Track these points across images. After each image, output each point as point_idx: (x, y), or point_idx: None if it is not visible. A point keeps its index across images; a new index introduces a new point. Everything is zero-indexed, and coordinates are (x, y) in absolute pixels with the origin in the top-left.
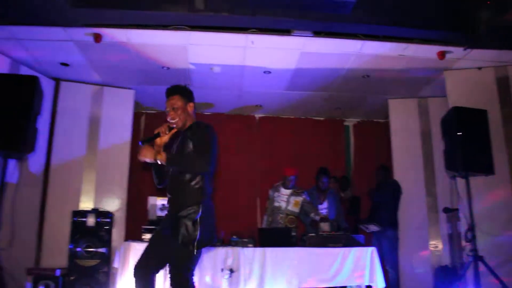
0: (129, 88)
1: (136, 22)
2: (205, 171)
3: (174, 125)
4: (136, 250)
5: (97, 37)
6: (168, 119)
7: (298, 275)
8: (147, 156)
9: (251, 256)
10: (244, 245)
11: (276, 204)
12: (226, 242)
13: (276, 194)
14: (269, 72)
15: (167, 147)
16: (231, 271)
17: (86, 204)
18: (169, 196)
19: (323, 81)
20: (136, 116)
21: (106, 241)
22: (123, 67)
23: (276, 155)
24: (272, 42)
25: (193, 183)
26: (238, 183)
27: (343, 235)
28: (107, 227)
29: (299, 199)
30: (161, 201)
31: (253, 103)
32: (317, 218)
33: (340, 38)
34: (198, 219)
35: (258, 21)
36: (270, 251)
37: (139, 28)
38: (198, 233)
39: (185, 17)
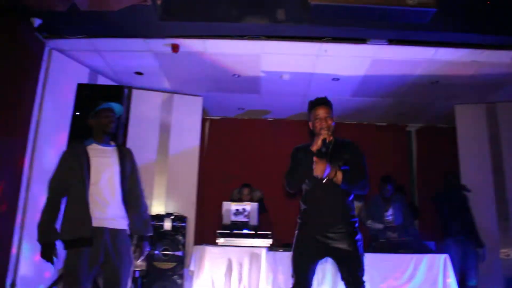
0: (198, 95)
1: (216, 33)
2: (365, 194)
3: (327, 134)
4: (212, 253)
5: (175, 47)
6: (323, 127)
7: (370, 282)
8: (323, 172)
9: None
10: None
11: None
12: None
13: None
14: (337, 79)
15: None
16: None
17: (157, 208)
18: (319, 205)
19: (391, 87)
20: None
21: (182, 245)
22: (194, 75)
23: None
24: (345, 51)
25: (349, 198)
26: None
27: (414, 241)
28: (182, 231)
29: (359, 204)
30: (235, 206)
31: None
32: (381, 226)
33: (413, 45)
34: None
35: (334, 31)
36: None
37: (217, 38)
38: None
39: (263, 28)
